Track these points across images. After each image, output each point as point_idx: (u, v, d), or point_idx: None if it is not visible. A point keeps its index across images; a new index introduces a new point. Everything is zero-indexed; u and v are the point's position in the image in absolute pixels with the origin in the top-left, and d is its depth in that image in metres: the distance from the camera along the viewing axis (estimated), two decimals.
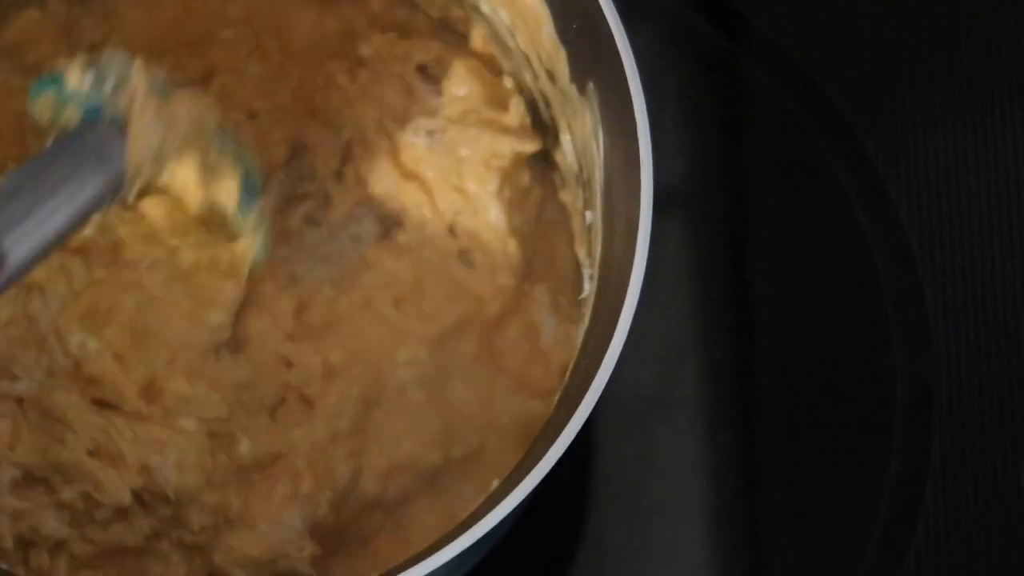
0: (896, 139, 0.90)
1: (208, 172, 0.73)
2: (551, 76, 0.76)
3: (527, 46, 0.77)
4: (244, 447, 0.75)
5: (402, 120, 0.80)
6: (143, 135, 0.71)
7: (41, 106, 0.71)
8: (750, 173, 0.90)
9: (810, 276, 0.89)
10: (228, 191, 0.74)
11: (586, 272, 0.75)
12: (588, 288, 0.74)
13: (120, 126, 0.71)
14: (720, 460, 0.86)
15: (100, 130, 0.71)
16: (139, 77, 0.71)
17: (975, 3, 0.91)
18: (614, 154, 0.71)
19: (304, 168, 0.80)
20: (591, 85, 0.72)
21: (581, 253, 0.78)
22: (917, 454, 0.86)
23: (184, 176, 0.72)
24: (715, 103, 0.90)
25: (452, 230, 0.79)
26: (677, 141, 0.89)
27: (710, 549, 0.85)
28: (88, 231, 0.71)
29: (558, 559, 0.85)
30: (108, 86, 0.71)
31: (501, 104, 0.80)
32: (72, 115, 0.70)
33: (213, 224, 0.75)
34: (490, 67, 0.80)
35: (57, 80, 0.71)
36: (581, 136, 0.75)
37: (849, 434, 0.87)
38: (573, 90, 0.74)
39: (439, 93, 0.81)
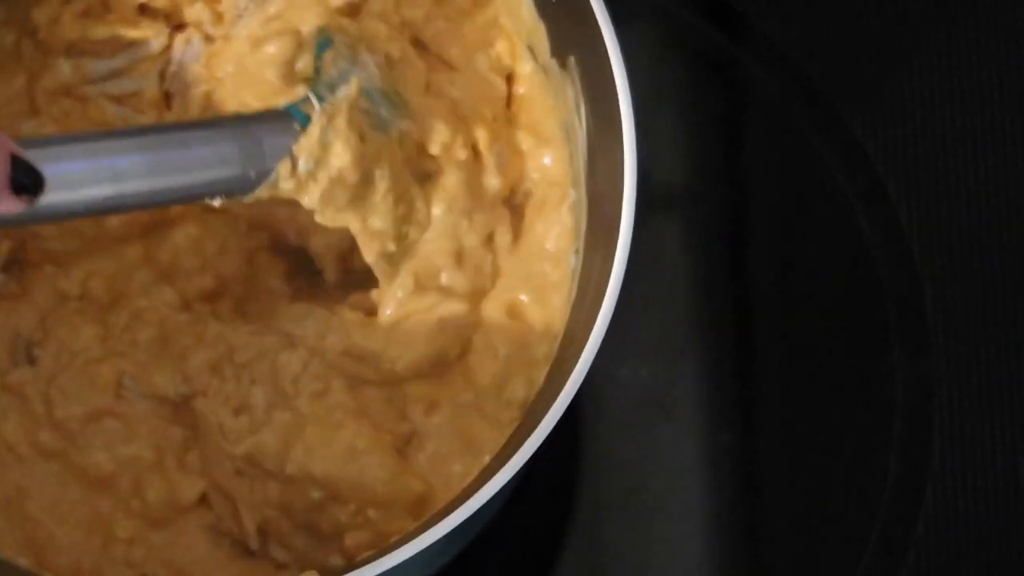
0: (896, 140, 0.90)
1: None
2: (532, 52, 0.76)
3: (508, 23, 0.77)
4: None
5: None
6: (303, 152, 0.72)
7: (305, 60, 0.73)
8: (750, 173, 0.90)
9: (810, 276, 0.89)
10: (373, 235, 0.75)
11: (571, 248, 0.75)
12: (574, 262, 0.74)
13: (303, 127, 0.72)
14: (720, 460, 0.86)
15: (284, 121, 0.72)
16: (352, 86, 0.72)
17: (975, 5, 0.91)
18: (596, 127, 0.71)
19: None
20: (572, 59, 0.73)
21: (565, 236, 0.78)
22: (917, 454, 0.86)
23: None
24: (715, 103, 0.91)
25: None
26: (677, 141, 0.89)
27: (710, 549, 0.85)
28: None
29: (557, 559, 0.85)
30: (334, 85, 0.72)
31: None
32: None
33: None
34: None
35: (327, 43, 0.72)
36: (563, 112, 0.75)
37: (849, 434, 0.87)
38: (554, 65, 0.74)
39: None
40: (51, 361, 0.77)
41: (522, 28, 0.76)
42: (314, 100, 0.72)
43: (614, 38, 0.68)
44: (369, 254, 0.75)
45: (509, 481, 0.65)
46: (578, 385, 0.65)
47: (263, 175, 0.71)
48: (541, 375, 0.73)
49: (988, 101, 0.90)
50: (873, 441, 0.86)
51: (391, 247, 0.76)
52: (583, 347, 0.66)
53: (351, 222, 0.75)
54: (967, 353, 0.87)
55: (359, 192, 0.74)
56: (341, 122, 0.72)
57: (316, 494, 0.74)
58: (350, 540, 0.74)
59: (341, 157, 0.72)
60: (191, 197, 0.71)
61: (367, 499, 0.74)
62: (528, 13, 0.75)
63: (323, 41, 0.73)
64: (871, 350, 0.87)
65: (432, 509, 0.74)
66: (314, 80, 0.72)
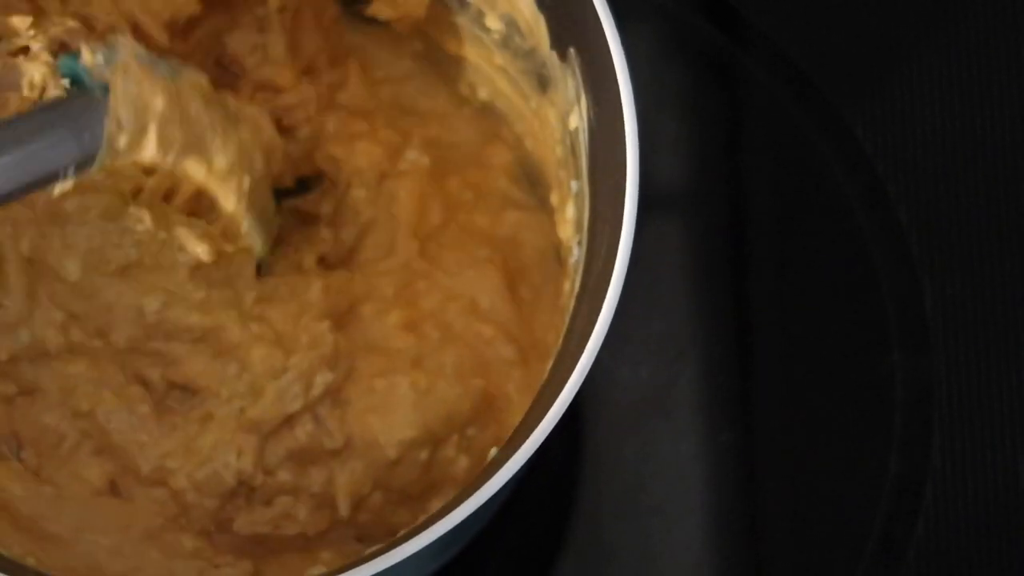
0: (896, 139, 0.90)
1: (209, 169, 0.74)
2: (532, 47, 0.77)
3: (507, 17, 0.78)
4: None
5: None
6: (121, 106, 0.71)
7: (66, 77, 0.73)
8: (750, 173, 0.90)
9: (810, 276, 0.89)
10: (229, 190, 0.75)
11: (574, 239, 0.75)
12: (577, 253, 0.74)
13: (105, 94, 0.72)
14: (720, 460, 0.86)
15: (87, 97, 0.72)
16: (125, 49, 0.72)
17: (975, 4, 0.91)
18: (597, 117, 0.71)
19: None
20: (572, 51, 0.73)
21: (568, 228, 0.78)
22: (917, 454, 0.86)
23: (186, 168, 0.73)
24: (715, 103, 0.91)
25: None
26: (677, 141, 0.89)
27: (710, 549, 0.85)
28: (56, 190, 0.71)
29: (557, 559, 0.85)
30: (107, 60, 0.72)
31: None
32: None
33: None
34: None
35: (74, 56, 0.72)
36: (563, 103, 0.75)
37: (849, 434, 0.87)
38: (554, 57, 0.75)
39: None
40: (35, 459, 0.77)
41: (521, 21, 0.76)
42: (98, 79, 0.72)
43: (614, 26, 0.68)
44: (229, 201, 0.75)
45: (509, 480, 0.65)
46: (580, 383, 0.65)
47: (97, 142, 0.71)
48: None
49: (989, 100, 0.90)
50: (873, 441, 0.86)
51: (247, 183, 0.75)
52: (585, 344, 0.66)
53: (197, 170, 0.74)
54: (967, 353, 0.87)
55: (191, 133, 0.73)
56: (136, 70, 0.72)
57: (423, 454, 0.75)
58: (458, 468, 0.76)
59: (156, 95, 0.72)
60: (41, 185, 0.70)
61: (461, 422, 0.75)
62: (527, 5, 0.75)
63: (68, 62, 0.73)
64: (871, 350, 0.87)
65: (497, 398, 0.76)
66: (85, 77, 0.72)
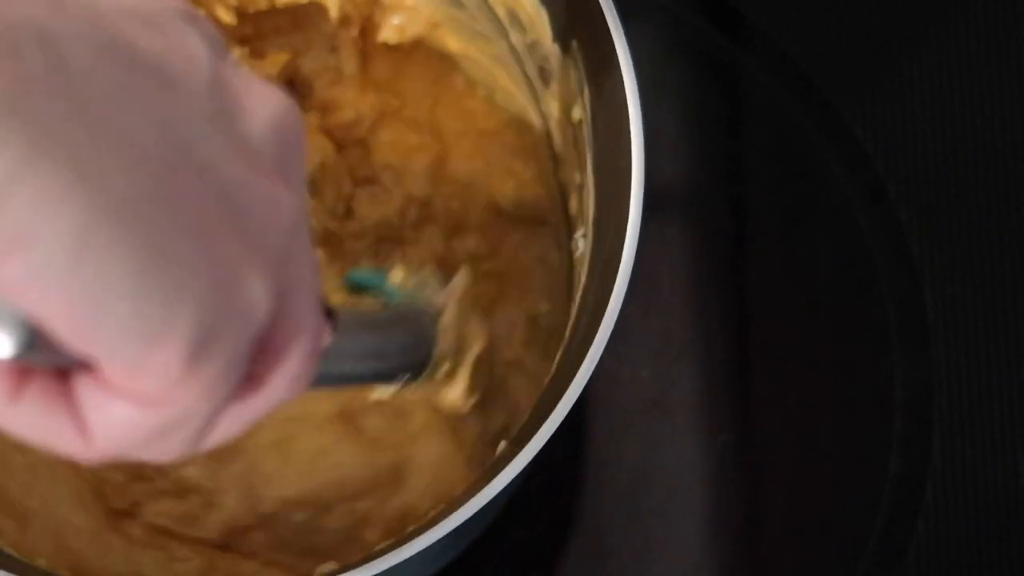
0: (897, 140, 0.90)
1: None
2: (534, 40, 0.77)
3: (508, 13, 0.78)
4: None
5: None
6: (449, 333, 0.66)
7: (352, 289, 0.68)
8: (750, 173, 0.90)
9: (810, 276, 0.89)
10: None
11: (579, 233, 0.75)
12: (583, 246, 0.74)
13: (434, 318, 0.67)
14: (720, 460, 0.86)
15: (420, 314, 0.67)
16: (461, 280, 0.68)
17: (975, 4, 0.91)
18: (600, 108, 0.71)
19: None
20: (574, 43, 0.73)
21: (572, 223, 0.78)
22: (917, 454, 0.86)
23: None
24: (715, 103, 0.90)
25: None
26: (677, 141, 0.89)
27: (710, 549, 0.85)
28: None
29: (556, 560, 0.85)
30: (427, 292, 0.67)
31: None
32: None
33: None
34: None
35: (380, 278, 0.67)
36: (566, 96, 0.75)
37: (849, 434, 0.86)
38: (557, 50, 0.75)
39: None
40: None
41: (523, 14, 0.77)
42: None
43: (617, 18, 0.68)
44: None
45: (511, 482, 0.65)
46: (584, 382, 0.65)
47: (424, 361, 0.66)
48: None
49: (989, 101, 0.90)
50: (873, 441, 0.86)
51: None
52: (589, 344, 0.65)
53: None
54: (967, 353, 0.87)
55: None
56: (466, 306, 0.68)
57: (300, 516, 0.74)
58: (368, 536, 0.74)
59: (478, 339, 0.68)
60: (371, 381, 0.65)
61: (352, 493, 0.74)
62: (530, 0, 0.75)
63: (369, 275, 0.68)
64: (871, 350, 0.87)
65: (410, 477, 0.74)
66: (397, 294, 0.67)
